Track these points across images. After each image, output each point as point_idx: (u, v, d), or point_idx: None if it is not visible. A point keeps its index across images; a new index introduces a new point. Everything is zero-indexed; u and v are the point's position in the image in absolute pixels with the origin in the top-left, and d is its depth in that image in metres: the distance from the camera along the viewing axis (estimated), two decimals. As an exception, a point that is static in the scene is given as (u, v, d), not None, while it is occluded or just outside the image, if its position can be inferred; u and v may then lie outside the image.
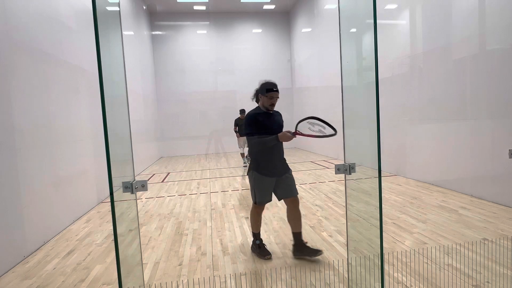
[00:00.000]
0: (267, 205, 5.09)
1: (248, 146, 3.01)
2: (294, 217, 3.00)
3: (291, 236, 3.50)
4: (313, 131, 2.67)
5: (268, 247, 3.27)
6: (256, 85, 3.00)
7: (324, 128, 2.68)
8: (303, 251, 2.94)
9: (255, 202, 3.02)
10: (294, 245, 3.01)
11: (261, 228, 3.84)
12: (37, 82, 3.84)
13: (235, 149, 12.80)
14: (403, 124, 6.36)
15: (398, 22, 6.47)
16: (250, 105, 3.09)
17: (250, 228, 3.25)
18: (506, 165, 4.16)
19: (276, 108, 2.98)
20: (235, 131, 8.74)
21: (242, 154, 8.81)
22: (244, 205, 4.94)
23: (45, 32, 4.14)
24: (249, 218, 3.25)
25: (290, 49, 13.76)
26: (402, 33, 6.37)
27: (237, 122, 8.64)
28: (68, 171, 4.49)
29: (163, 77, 12.83)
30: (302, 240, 3.00)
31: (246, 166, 8.60)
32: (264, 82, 2.94)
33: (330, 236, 3.46)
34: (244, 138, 8.48)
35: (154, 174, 8.52)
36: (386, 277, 2.49)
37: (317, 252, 2.90)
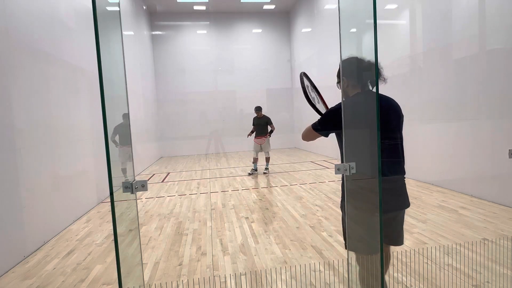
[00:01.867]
0: (267, 205, 5.13)
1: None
2: None
3: (291, 236, 3.51)
4: (310, 95, 2.19)
5: (268, 247, 3.27)
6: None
7: (318, 101, 2.25)
8: None
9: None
10: None
11: (261, 228, 3.84)
12: (37, 82, 3.84)
13: (235, 149, 12.85)
14: (403, 124, 6.36)
15: (398, 22, 6.47)
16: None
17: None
18: (506, 165, 4.15)
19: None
20: (253, 131, 7.74)
21: (256, 159, 7.72)
22: (244, 205, 4.94)
23: (45, 32, 4.14)
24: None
25: (290, 49, 13.75)
26: (402, 33, 6.37)
27: (255, 122, 7.70)
28: (68, 171, 4.49)
29: (163, 77, 12.84)
30: None
31: (252, 173, 7.67)
32: None
33: (330, 236, 3.46)
34: (262, 139, 7.52)
35: (154, 174, 8.52)
36: (386, 277, 2.49)
37: None
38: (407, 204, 1.87)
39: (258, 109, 7.65)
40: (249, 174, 7.67)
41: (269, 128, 7.63)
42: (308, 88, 2.19)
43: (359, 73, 1.91)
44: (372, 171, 1.59)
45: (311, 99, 2.13)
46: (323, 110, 2.15)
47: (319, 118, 1.98)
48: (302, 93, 2.25)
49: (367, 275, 1.73)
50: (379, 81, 1.87)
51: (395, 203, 1.82)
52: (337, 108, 1.87)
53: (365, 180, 1.69)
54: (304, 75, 2.22)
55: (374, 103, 1.71)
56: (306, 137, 2.07)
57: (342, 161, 1.89)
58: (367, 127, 1.71)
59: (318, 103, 2.21)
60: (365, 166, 1.64)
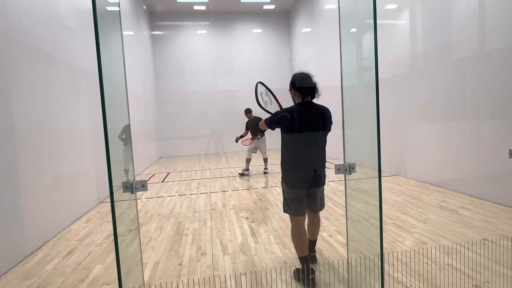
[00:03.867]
0: (267, 205, 5.13)
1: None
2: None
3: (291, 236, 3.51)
4: (263, 100, 2.83)
5: (268, 247, 3.27)
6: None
7: (271, 103, 2.82)
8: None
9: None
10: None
11: (261, 228, 3.84)
12: (37, 82, 3.84)
13: (235, 149, 12.82)
14: (403, 124, 6.36)
15: (398, 22, 6.47)
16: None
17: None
18: (506, 165, 4.16)
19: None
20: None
21: (249, 160, 7.61)
22: (244, 205, 4.94)
23: (45, 32, 4.13)
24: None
25: (290, 49, 13.75)
26: (402, 33, 6.37)
27: (248, 125, 7.61)
28: (68, 171, 4.49)
29: (163, 77, 12.83)
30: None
31: (243, 174, 7.51)
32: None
33: (330, 236, 3.46)
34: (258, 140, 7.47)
35: (154, 174, 8.52)
36: (386, 277, 2.49)
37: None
38: (322, 183, 2.58)
39: (248, 111, 7.49)
40: (240, 174, 7.53)
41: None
42: (262, 94, 2.84)
43: (304, 87, 2.49)
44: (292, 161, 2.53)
45: (262, 103, 2.81)
46: (273, 110, 2.68)
47: (270, 115, 2.60)
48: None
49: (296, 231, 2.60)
50: (315, 95, 2.51)
51: (316, 182, 2.51)
52: (279, 112, 2.53)
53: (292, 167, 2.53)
54: (260, 83, 2.87)
55: (309, 111, 2.45)
56: (260, 127, 2.67)
57: (281, 157, 2.57)
58: (303, 132, 2.44)
59: (271, 104, 2.82)
60: (296, 159, 2.50)
